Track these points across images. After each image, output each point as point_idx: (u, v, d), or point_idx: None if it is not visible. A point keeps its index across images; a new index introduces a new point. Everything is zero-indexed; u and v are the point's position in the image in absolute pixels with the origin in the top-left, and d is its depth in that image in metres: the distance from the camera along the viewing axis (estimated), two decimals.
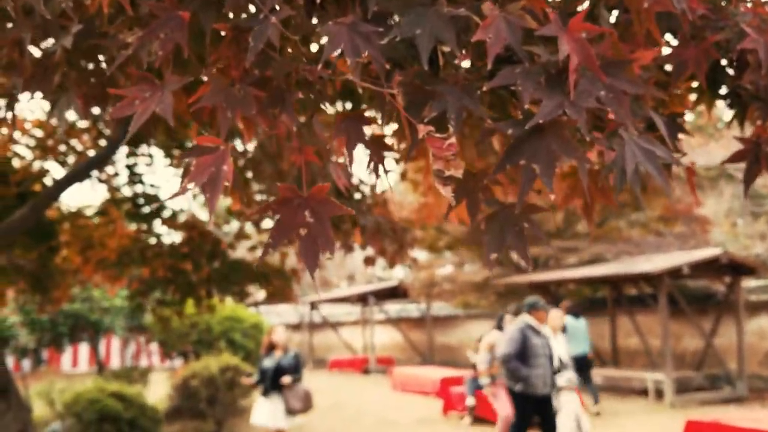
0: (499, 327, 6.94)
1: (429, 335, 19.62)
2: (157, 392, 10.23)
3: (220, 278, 6.42)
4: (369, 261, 5.01)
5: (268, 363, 6.84)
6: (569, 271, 14.09)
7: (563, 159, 1.42)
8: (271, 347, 6.90)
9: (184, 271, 6.46)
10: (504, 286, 15.93)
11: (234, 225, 7.67)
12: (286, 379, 6.74)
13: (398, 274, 29.57)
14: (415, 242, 5.37)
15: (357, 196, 4.73)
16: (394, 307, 22.79)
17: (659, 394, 11.65)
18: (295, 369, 6.87)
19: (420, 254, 19.45)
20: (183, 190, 1.34)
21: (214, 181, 1.31)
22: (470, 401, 9.75)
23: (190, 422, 8.99)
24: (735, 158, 1.98)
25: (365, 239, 4.37)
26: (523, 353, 6.10)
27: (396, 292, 19.79)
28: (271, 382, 6.74)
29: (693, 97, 2.10)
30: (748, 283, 13.85)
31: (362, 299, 19.27)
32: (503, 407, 6.98)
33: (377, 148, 1.55)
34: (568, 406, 6.82)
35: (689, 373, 13.02)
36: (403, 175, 5.34)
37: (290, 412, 6.73)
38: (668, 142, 1.75)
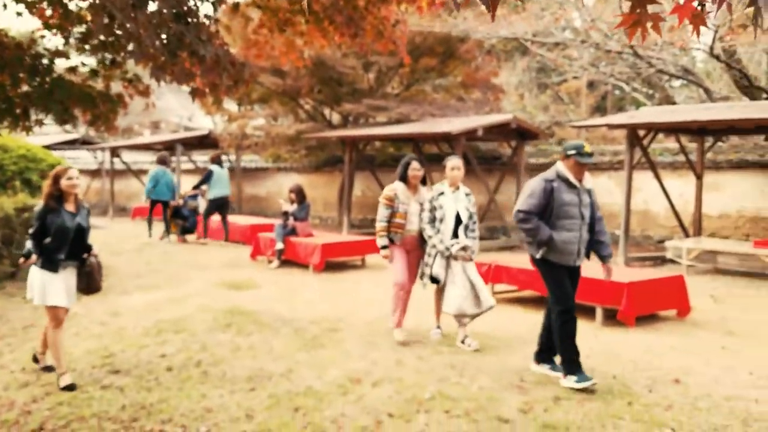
0: (402, 178, 5.94)
1: (238, 185, 19.72)
2: None
3: (41, 96, 5.60)
4: (199, 93, 4.76)
5: (59, 219, 4.73)
6: (378, 129, 14.77)
7: None
8: (59, 197, 4.78)
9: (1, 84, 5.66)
10: (315, 141, 16.31)
11: (54, 41, 6.93)
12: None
13: (207, 124, 28.74)
14: (252, 79, 5.29)
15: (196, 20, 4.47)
16: (202, 158, 22.38)
17: None
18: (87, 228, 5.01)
19: (231, 105, 19.09)
20: None
21: None
22: (279, 246, 10.30)
23: None
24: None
25: (202, 71, 4.22)
26: (543, 210, 4.80)
27: (205, 142, 19.39)
28: (73, 248, 4.83)
29: None
30: (530, 147, 15.60)
31: (169, 148, 18.63)
32: (395, 272, 5.97)
33: None
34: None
35: None
36: (236, 6, 4.98)
37: (92, 290, 5.07)
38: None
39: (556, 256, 4.84)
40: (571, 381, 4.65)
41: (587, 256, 5.05)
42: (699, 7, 2.01)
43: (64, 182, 4.81)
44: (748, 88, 15.79)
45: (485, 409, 4.23)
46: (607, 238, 5.06)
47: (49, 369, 5.06)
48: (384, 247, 5.97)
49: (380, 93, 16.55)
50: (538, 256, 4.89)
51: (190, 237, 13.55)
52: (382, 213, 5.97)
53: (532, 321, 6.88)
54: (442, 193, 5.87)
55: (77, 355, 5.43)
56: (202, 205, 13.40)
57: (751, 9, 1.89)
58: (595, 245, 5.03)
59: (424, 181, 6.19)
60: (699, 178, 11.65)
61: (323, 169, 18.50)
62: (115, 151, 20.54)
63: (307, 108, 17.68)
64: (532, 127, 14.00)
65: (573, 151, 4.83)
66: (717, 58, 15.20)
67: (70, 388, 4.63)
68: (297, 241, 10.22)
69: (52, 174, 4.87)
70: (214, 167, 12.93)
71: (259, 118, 18.73)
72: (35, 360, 5.19)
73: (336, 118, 17.88)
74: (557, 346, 4.87)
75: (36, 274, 4.80)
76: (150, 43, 3.89)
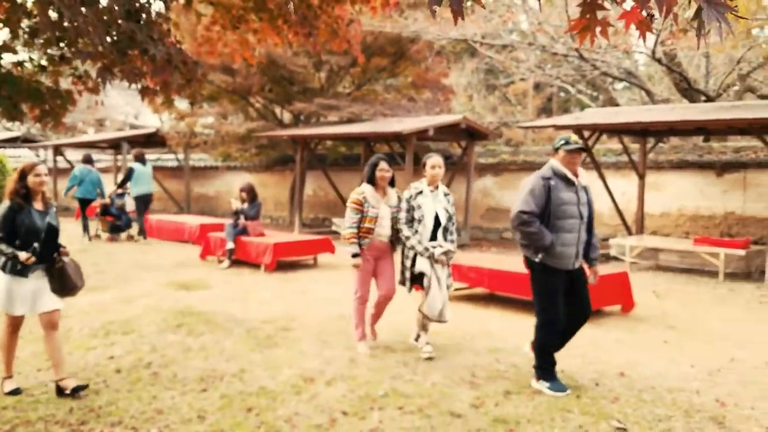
0: (370, 180, 5.50)
1: (187, 185, 19.41)
2: None
3: None
4: (148, 92, 4.63)
5: (29, 220, 4.39)
6: (329, 128, 14.75)
7: None
8: (26, 195, 4.42)
9: None
10: (266, 140, 16.19)
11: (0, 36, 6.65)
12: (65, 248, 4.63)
13: (154, 122, 28.15)
14: (205, 78, 5.21)
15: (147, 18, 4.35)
16: (149, 156, 21.94)
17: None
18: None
19: (181, 103, 18.75)
20: None
21: None
22: (230, 245, 10.20)
23: None
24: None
25: (153, 70, 4.11)
26: (544, 211, 4.48)
27: (152, 140, 19.02)
28: (44, 250, 4.45)
29: None
30: (479, 148, 15.83)
31: (115, 146, 18.21)
32: (358, 283, 5.63)
33: None
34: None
35: None
36: (188, 2, 4.86)
37: (67, 289, 4.63)
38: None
39: (554, 261, 4.50)
40: (543, 386, 4.56)
41: (585, 257, 4.74)
42: (646, 15, 2.11)
43: (31, 179, 4.46)
44: (688, 91, 16.38)
45: (438, 405, 4.29)
46: (597, 240, 4.81)
47: (79, 388, 4.49)
48: (355, 255, 5.51)
49: (332, 92, 16.53)
50: (536, 260, 4.53)
51: (123, 235, 13.52)
52: (351, 218, 5.53)
53: (482, 318, 7.01)
54: (420, 192, 5.48)
55: (23, 358, 5.28)
56: (129, 203, 13.34)
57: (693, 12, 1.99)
58: (585, 247, 4.71)
59: (392, 183, 5.70)
60: (641, 177, 12.03)
61: (274, 168, 18.36)
62: (58, 150, 19.97)
63: (258, 107, 17.52)
64: (481, 127, 14.20)
65: (561, 143, 4.57)
66: (659, 61, 15.72)
67: (15, 392, 4.49)
68: (248, 241, 10.13)
69: (18, 170, 4.50)
70: (136, 165, 12.96)
71: (208, 117, 18.47)
72: (59, 391, 4.49)
73: (287, 116, 17.77)
74: (534, 352, 4.71)
75: (1, 280, 4.42)
76: (100, 41, 3.78)
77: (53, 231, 4.57)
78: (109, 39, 3.92)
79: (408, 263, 5.51)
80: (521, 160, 14.84)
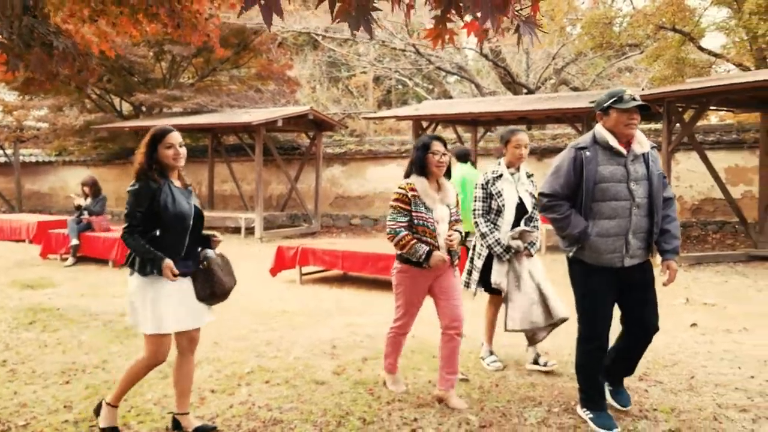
0: (421, 168, 3.99)
1: (17, 182, 18.08)
2: None
3: None
4: (35, 83, 4.44)
5: (173, 201, 3.52)
6: (174, 119, 14.49)
7: None
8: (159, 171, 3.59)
9: None
10: (106, 132, 15.57)
11: None
12: None
13: None
14: (96, 72, 5.09)
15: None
16: None
17: (250, 231, 13.36)
18: None
19: (7, 95, 17.39)
20: None
21: None
22: (74, 242, 9.85)
23: None
24: None
25: (57, 61, 4.00)
26: (575, 191, 3.52)
27: None
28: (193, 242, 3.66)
29: None
30: (326, 138, 16.31)
31: None
32: (403, 309, 4.14)
33: None
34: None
35: (276, 212, 15.13)
36: None
37: (217, 296, 3.70)
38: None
39: (592, 255, 3.50)
40: (586, 416, 3.65)
41: (648, 250, 3.58)
42: (483, 28, 2.69)
43: (162, 151, 3.47)
44: (511, 84, 17.97)
45: (302, 376, 4.64)
46: (675, 227, 3.59)
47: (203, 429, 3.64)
48: (429, 253, 3.84)
49: (174, 83, 16.20)
50: (570, 254, 3.62)
51: None
52: (398, 221, 3.90)
53: (338, 296, 7.50)
54: (500, 176, 4.55)
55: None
56: None
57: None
58: (659, 235, 3.56)
59: (448, 173, 4.10)
60: (473, 165, 13.10)
61: (114, 162, 17.66)
62: None
63: (95, 98, 16.74)
64: (328, 118, 14.66)
65: (611, 100, 3.45)
66: (486, 57, 17.10)
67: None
68: (94, 236, 9.84)
69: (146, 139, 3.56)
70: None
71: (41, 109, 17.32)
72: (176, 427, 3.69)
73: (127, 108, 17.15)
74: (577, 378, 3.75)
75: (137, 287, 3.46)
76: (8, 34, 3.72)
77: (200, 217, 3.56)
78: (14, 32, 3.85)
79: (479, 263, 4.63)
80: (366, 149, 15.50)
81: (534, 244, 4.47)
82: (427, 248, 3.84)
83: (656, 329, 3.58)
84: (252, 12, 15.01)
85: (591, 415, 3.59)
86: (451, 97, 20.99)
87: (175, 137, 3.47)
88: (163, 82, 16.00)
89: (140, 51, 14.83)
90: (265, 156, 14.05)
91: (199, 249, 3.57)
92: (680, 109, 9.55)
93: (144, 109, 16.03)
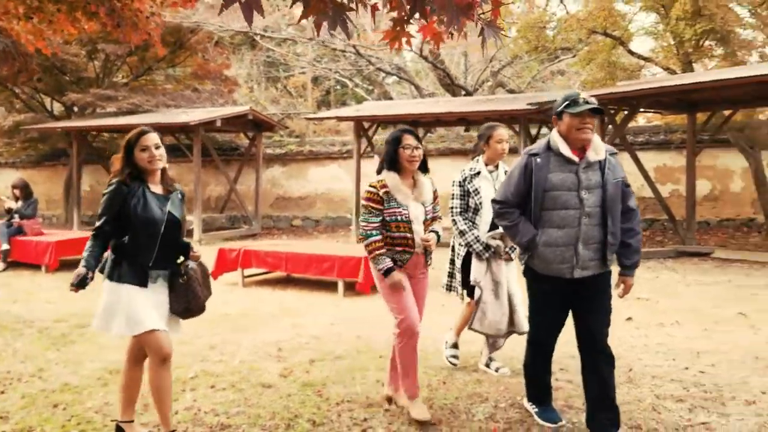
0: (392, 163, 3.79)
1: None
2: None
3: None
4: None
5: (143, 206, 3.33)
6: (108, 119, 14.09)
7: None
8: (135, 175, 3.40)
9: None
10: (36, 133, 15.01)
11: None
12: None
13: None
14: (35, 72, 4.90)
15: None
16: None
17: (189, 233, 13.09)
18: None
19: None
20: None
21: None
22: (5, 246, 9.49)
23: None
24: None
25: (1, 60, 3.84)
26: (525, 198, 3.42)
27: None
28: (164, 250, 3.42)
29: None
30: (265, 139, 16.15)
31: None
32: (403, 311, 3.77)
33: None
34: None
35: (215, 214, 14.88)
36: None
37: (193, 310, 3.58)
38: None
39: (541, 265, 3.43)
40: (531, 409, 3.76)
41: (603, 261, 3.39)
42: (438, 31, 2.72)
43: (138, 154, 3.34)
44: (450, 86, 18.20)
45: (248, 379, 4.60)
46: (637, 240, 3.48)
47: None
48: (389, 271, 3.71)
49: (108, 82, 15.73)
50: (521, 262, 3.59)
51: None
52: (369, 222, 3.76)
53: (282, 298, 7.45)
54: (477, 174, 4.43)
55: None
56: None
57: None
58: (620, 248, 3.43)
59: (424, 166, 3.92)
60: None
61: (45, 164, 17.04)
62: None
63: (24, 97, 16.11)
64: (267, 118, 14.53)
65: (564, 104, 3.36)
66: (425, 59, 17.27)
67: None
68: (26, 240, 9.49)
69: (123, 142, 3.44)
70: None
71: None
72: None
73: (58, 108, 16.56)
74: (524, 375, 3.80)
75: (112, 292, 3.39)
76: None
77: (175, 224, 3.41)
78: None
79: (459, 263, 4.51)
80: (307, 150, 15.43)
81: (515, 248, 4.28)
82: (390, 265, 3.71)
83: (603, 340, 3.47)
84: (188, 11, 14.75)
85: (537, 409, 3.70)
86: (391, 98, 21.11)
87: (150, 139, 3.34)
88: (96, 82, 15.52)
89: (72, 49, 14.33)
90: (204, 157, 13.80)
91: (182, 259, 3.44)
92: (612, 111, 9.91)
93: (76, 109, 15.50)
